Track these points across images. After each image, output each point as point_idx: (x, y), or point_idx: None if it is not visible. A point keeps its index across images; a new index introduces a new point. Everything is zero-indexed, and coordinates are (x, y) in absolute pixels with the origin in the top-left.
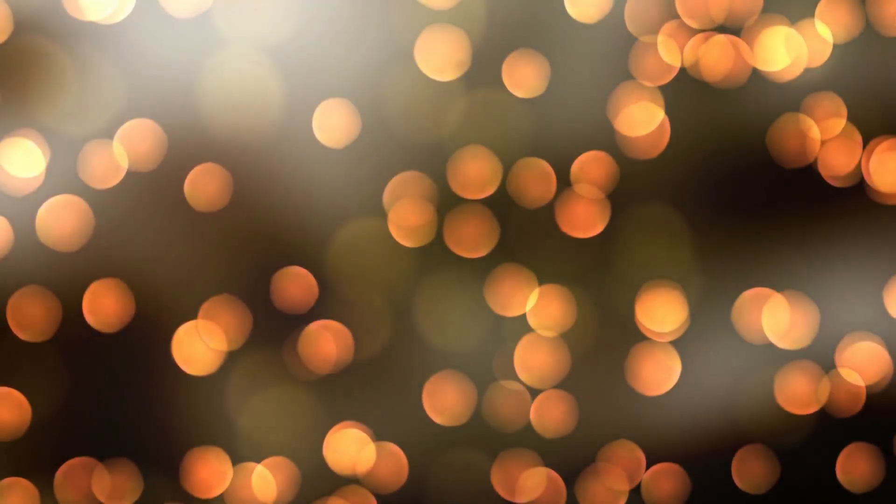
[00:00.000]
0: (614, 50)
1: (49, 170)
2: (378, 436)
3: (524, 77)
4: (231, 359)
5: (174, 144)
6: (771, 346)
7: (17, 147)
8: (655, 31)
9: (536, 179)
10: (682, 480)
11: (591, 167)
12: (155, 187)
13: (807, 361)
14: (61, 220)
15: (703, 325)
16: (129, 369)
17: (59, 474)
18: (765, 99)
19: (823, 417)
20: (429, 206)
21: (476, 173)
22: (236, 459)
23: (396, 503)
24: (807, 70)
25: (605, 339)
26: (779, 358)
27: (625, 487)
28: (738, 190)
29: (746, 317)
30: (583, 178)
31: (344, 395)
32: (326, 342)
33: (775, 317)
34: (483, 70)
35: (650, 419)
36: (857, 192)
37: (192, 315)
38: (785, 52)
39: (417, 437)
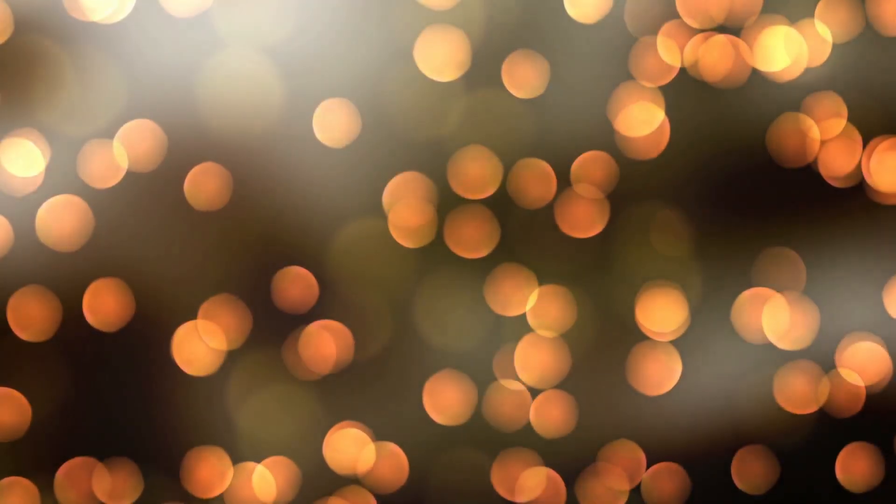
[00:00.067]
0: (614, 50)
1: (49, 170)
2: (378, 436)
3: (524, 77)
4: (231, 359)
5: (174, 144)
6: (771, 346)
7: (17, 147)
8: (655, 31)
9: (536, 179)
10: (682, 480)
11: (591, 167)
12: (155, 187)
13: (807, 361)
14: (61, 220)
15: (703, 325)
16: (129, 369)
17: (59, 474)
18: (765, 99)
19: (823, 417)
20: (429, 206)
21: (476, 173)
22: (236, 459)
23: (396, 503)
24: (807, 70)
25: (605, 339)
26: (779, 358)
27: (625, 487)
28: (738, 190)
29: (746, 317)
30: (583, 178)
31: (344, 395)
32: (326, 342)
33: (775, 317)
34: (483, 70)
35: (650, 419)
36: (857, 192)
37: (192, 315)
38: (785, 52)
39: (417, 437)
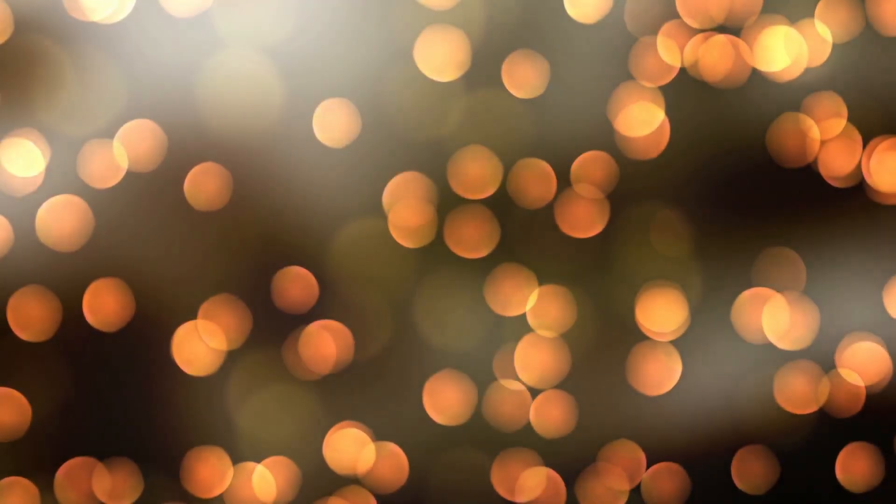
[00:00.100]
0: (614, 50)
1: (49, 170)
2: (378, 436)
3: (524, 77)
4: (231, 359)
5: (174, 144)
6: (771, 346)
7: (17, 147)
8: (655, 31)
9: (536, 179)
10: (682, 480)
11: (591, 167)
12: (155, 187)
13: (807, 361)
14: (61, 220)
15: (703, 325)
16: (129, 369)
17: (59, 474)
18: (765, 99)
19: (823, 417)
20: (429, 206)
21: (476, 173)
22: (236, 459)
23: (396, 503)
24: (807, 70)
25: (605, 339)
26: (779, 358)
27: (625, 487)
28: (738, 190)
29: (746, 317)
30: (583, 178)
31: (344, 395)
32: (326, 342)
33: (775, 317)
34: (483, 70)
35: (650, 419)
36: (857, 192)
37: (192, 315)
38: (785, 52)
39: (417, 437)
